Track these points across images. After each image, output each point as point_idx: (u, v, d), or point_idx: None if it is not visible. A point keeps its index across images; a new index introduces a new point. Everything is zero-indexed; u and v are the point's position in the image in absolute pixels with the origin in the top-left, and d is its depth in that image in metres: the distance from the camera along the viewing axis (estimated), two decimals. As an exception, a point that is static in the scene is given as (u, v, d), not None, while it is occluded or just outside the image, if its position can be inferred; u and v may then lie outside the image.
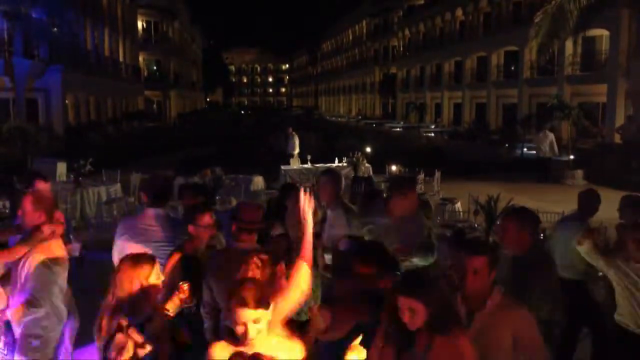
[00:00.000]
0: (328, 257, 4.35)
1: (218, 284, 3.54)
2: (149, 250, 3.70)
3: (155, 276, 2.99)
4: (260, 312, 2.52)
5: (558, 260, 5.19)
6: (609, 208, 5.45)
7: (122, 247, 4.18)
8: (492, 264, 2.98)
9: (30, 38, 25.24)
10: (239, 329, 2.52)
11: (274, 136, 19.15)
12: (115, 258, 4.19)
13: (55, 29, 28.36)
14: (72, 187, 11.55)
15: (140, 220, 4.36)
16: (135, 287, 2.89)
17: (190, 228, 4.02)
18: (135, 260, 2.99)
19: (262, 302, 2.53)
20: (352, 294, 3.11)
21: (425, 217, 5.12)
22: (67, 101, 29.49)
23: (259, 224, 3.77)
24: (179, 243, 4.09)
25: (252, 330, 2.51)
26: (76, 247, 4.63)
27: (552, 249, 5.39)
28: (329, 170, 5.74)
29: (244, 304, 2.49)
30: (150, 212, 4.32)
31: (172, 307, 3.27)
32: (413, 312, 2.63)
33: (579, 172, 17.95)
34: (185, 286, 3.38)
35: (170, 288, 3.54)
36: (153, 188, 4.45)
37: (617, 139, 21.64)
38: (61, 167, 13.34)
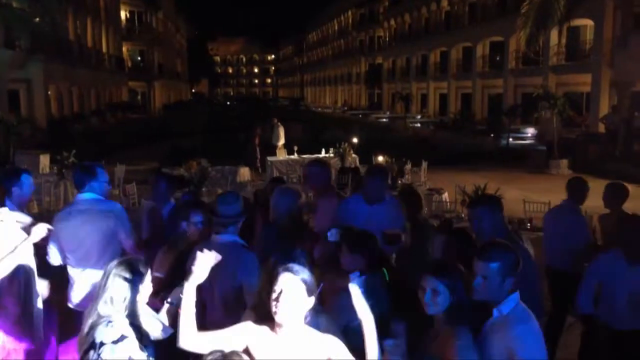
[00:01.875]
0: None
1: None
2: None
3: (147, 283, 2.75)
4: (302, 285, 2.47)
5: (552, 251, 5.22)
6: (592, 197, 5.47)
7: None
8: (504, 271, 2.73)
9: (12, 28, 24.75)
10: (274, 294, 2.46)
11: (262, 127, 19.01)
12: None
13: (37, 19, 27.86)
14: (55, 179, 11.45)
15: None
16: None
17: (185, 225, 3.97)
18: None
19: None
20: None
21: (417, 206, 5.20)
22: (49, 92, 29.06)
23: (234, 218, 3.62)
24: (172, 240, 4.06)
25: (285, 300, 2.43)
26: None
27: (545, 240, 5.42)
28: (317, 160, 5.70)
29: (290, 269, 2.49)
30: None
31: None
32: (435, 294, 2.67)
33: (564, 162, 18.09)
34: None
35: (165, 285, 3.47)
36: None
37: (601, 128, 21.82)
38: (44, 159, 13.22)
